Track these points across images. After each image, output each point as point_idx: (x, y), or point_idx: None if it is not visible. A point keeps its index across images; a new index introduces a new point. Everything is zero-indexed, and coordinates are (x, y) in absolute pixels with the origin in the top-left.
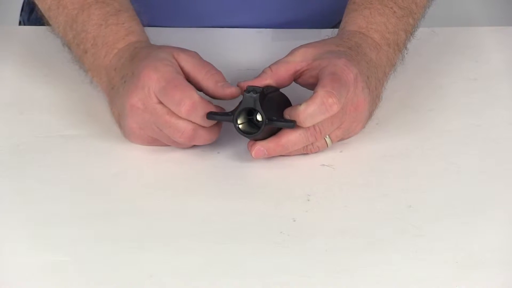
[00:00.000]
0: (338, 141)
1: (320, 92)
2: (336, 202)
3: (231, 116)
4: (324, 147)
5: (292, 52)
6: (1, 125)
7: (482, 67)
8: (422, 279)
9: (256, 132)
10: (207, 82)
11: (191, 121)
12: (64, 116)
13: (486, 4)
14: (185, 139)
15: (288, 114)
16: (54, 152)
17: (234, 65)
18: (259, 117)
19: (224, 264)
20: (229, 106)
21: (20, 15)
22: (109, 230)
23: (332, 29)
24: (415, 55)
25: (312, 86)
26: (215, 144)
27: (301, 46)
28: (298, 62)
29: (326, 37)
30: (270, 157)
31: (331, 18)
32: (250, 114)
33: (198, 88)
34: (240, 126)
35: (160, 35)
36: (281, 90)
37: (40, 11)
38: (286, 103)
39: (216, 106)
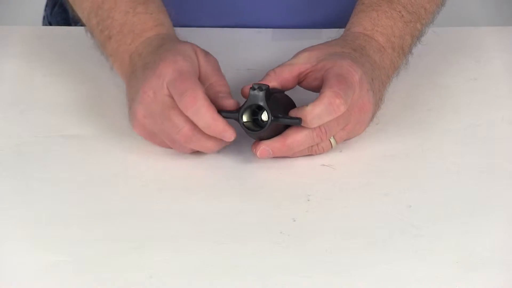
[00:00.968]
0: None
1: (327, 93)
2: (336, 202)
3: (236, 113)
4: (329, 148)
5: (296, 55)
6: (1, 125)
7: (482, 67)
8: (422, 279)
9: (261, 129)
10: (210, 90)
11: (192, 122)
12: (64, 116)
13: (486, 4)
14: (181, 137)
15: (294, 114)
16: (54, 152)
17: (234, 65)
18: (264, 117)
19: (224, 264)
20: None
21: (44, 10)
22: (109, 230)
23: (332, 29)
24: (415, 55)
25: (316, 89)
26: None
27: (305, 49)
28: (302, 64)
29: (329, 39)
30: (274, 157)
31: (347, 21)
32: (255, 114)
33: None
34: (245, 124)
35: None
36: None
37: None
38: (291, 104)
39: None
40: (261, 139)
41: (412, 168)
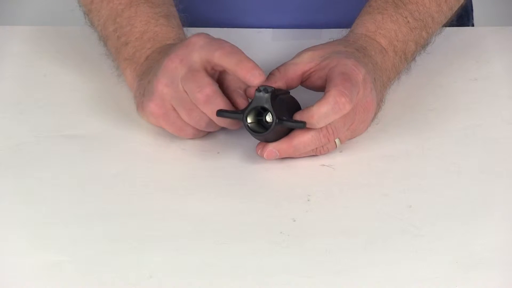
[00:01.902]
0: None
1: (333, 91)
2: (336, 202)
3: (241, 114)
4: (333, 149)
5: (299, 54)
6: (1, 125)
7: (482, 67)
8: (422, 279)
9: (266, 131)
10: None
11: (214, 84)
12: (64, 116)
13: (486, 4)
14: (202, 96)
15: (299, 116)
16: (54, 152)
17: None
18: (268, 118)
19: (224, 264)
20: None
21: None
22: (109, 230)
23: (332, 29)
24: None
25: (319, 88)
26: (215, 144)
27: (308, 49)
28: (306, 63)
29: (329, 39)
30: (281, 158)
31: (348, 21)
32: (259, 115)
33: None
34: (249, 126)
35: None
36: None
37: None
38: (296, 106)
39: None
40: (266, 141)
41: (412, 169)
